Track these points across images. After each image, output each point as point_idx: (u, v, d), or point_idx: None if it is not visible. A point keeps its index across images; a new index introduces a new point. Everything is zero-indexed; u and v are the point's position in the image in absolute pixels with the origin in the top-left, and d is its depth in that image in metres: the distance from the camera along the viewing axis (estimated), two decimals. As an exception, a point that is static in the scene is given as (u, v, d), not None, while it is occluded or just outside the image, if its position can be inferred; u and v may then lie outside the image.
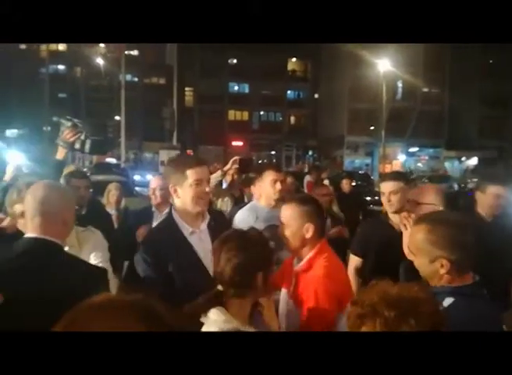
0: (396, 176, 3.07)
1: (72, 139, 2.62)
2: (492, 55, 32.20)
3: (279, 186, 2.98)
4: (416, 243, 1.52)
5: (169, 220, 2.11)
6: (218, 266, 1.50)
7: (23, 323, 1.26)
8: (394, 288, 0.99)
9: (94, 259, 2.29)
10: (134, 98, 27.75)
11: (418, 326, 0.89)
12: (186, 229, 2.08)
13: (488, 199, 3.00)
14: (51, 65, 32.34)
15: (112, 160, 21.22)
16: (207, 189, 2.07)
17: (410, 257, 1.62)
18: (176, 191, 2.08)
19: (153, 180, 3.60)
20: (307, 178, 9.44)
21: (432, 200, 2.33)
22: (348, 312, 1.00)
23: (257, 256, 1.50)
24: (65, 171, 3.65)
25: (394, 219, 2.86)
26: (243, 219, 2.93)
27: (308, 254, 1.94)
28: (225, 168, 3.45)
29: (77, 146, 2.66)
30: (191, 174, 2.02)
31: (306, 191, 8.13)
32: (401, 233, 2.15)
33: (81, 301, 0.74)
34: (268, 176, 3.01)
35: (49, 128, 22.63)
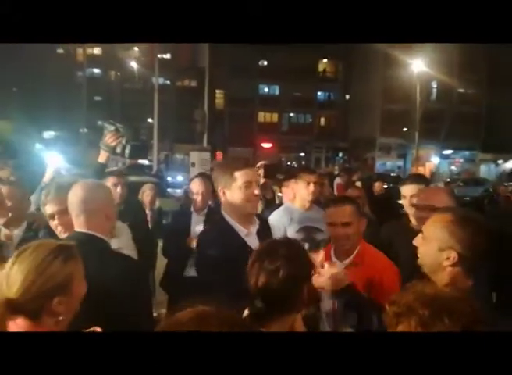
0: (417, 179, 3.03)
1: (114, 143, 2.71)
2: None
3: (312, 188, 3.05)
4: (433, 228, 1.50)
5: (222, 223, 2.09)
6: (259, 279, 1.36)
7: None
8: (430, 288, 1.01)
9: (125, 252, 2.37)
10: (166, 101, 28.23)
11: (453, 325, 0.91)
12: (241, 231, 2.07)
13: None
14: (88, 68, 33.40)
15: (144, 162, 21.69)
16: (256, 191, 2.06)
17: (417, 242, 1.58)
18: (224, 194, 2.08)
19: (195, 183, 3.65)
20: (337, 180, 9.35)
21: (446, 204, 2.13)
22: (386, 312, 1.02)
23: (303, 265, 1.40)
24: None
25: (415, 222, 2.81)
26: (277, 220, 2.98)
27: (356, 249, 2.11)
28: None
29: (118, 150, 2.74)
30: (240, 176, 2.03)
31: (336, 193, 8.06)
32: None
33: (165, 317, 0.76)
34: (303, 179, 3.06)
35: (85, 130, 23.29)
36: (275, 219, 3.02)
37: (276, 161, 27.17)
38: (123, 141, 2.72)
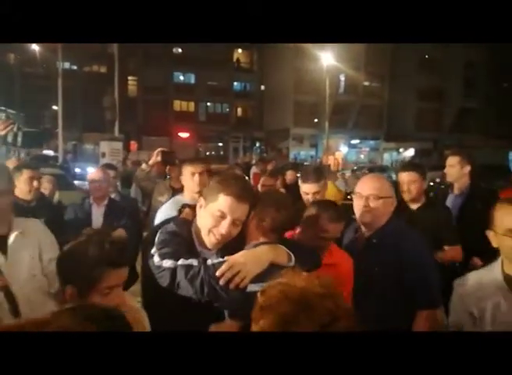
0: (415, 166, 3.22)
1: (3, 132, 2.46)
2: (427, 51, 33.97)
3: (198, 179, 2.90)
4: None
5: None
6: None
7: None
8: (299, 280, 0.93)
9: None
10: (73, 87, 26.41)
11: (309, 323, 0.84)
12: None
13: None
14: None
15: (49, 152, 20.13)
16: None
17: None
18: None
19: (96, 172, 3.48)
20: (254, 169, 9.51)
21: (389, 192, 2.20)
22: (255, 302, 0.94)
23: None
24: (10, 164, 3.49)
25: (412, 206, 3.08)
26: (163, 213, 2.80)
27: None
28: (150, 161, 3.45)
29: (9, 139, 2.49)
30: None
31: (252, 182, 8.19)
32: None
33: None
34: (187, 169, 2.94)
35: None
36: (162, 212, 2.91)
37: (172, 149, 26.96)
38: (14, 129, 2.48)
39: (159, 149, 3.57)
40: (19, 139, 2.29)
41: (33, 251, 2.10)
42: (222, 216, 1.60)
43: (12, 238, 2.11)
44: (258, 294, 0.94)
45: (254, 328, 0.91)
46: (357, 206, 2.20)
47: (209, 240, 1.64)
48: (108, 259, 1.29)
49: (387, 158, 36.17)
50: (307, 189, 2.93)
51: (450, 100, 35.94)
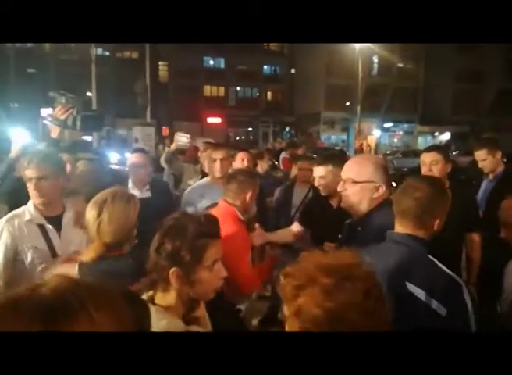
0: (437, 147, 3.24)
1: (64, 116, 2.53)
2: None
3: (219, 165, 3.00)
4: None
5: None
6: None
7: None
8: (327, 257, 0.99)
9: None
10: (106, 73, 26.87)
11: (354, 291, 0.89)
12: None
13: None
14: (17, 38, 30.88)
15: (88, 138, 20.65)
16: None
17: None
18: None
19: (136, 156, 3.49)
20: (283, 154, 9.44)
21: (370, 177, 1.98)
22: (281, 284, 0.97)
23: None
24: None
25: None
26: (188, 195, 3.07)
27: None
28: (172, 146, 3.58)
29: (69, 123, 2.56)
30: None
31: (282, 167, 8.15)
32: None
33: None
34: (209, 155, 3.05)
35: (16, 105, 21.73)
36: (188, 193, 3.02)
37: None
38: (74, 113, 2.54)
39: (178, 134, 3.67)
40: (78, 123, 2.34)
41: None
42: None
43: (65, 218, 2.29)
44: (283, 278, 0.97)
45: (290, 310, 0.93)
46: (339, 190, 2.08)
47: None
48: (207, 231, 1.39)
49: (421, 142, 35.17)
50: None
51: (489, 82, 34.38)
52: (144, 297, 1.39)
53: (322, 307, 0.89)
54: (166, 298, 1.37)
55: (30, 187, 2.19)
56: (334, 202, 2.82)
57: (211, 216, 1.48)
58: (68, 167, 3.28)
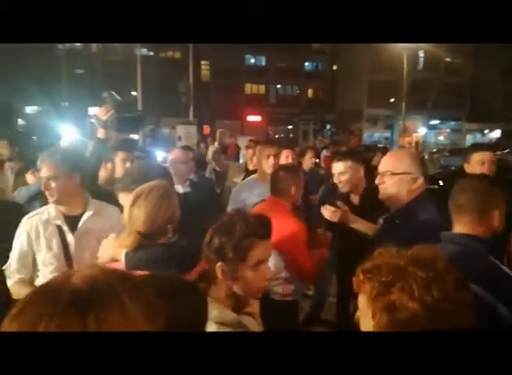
0: (483, 145, 3.24)
1: (105, 117, 2.62)
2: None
3: (272, 161, 3.00)
4: None
5: None
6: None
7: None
8: (410, 252, 1.00)
9: None
10: (150, 73, 27.57)
11: (447, 283, 0.92)
12: None
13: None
14: (68, 40, 32.26)
15: (134, 136, 21.36)
16: None
17: None
18: None
19: (177, 152, 3.56)
20: (324, 152, 9.34)
21: (407, 168, 2.03)
22: (362, 281, 0.99)
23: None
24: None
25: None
26: (237, 192, 3.11)
27: None
28: (216, 142, 3.61)
29: (109, 124, 2.67)
30: None
31: (323, 165, 8.06)
32: None
33: None
34: (262, 152, 3.05)
35: (66, 104, 22.76)
36: (236, 191, 3.03)
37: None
38: (115, 115, 2.65)
39: (220, 130, 3.72)
40: (115, 124, 2.43)
41: (100, 234, 2.09)
42: None
43: (83, 218, 2.23)
44: (362, 274, 0.99)
45: (377, 306, 0.94)
46: (377, 183, 2.12)
47: None
48: (255, 231, 1.41)
49: (470, 140, 33.71)
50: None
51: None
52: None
53: (420, 300, 0.89)
54: (217, 290, 1.43)
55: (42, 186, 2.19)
56: (355, 199, 2.83)
57: (261, 217, 1.49)
58: (127, 164, 3.36)
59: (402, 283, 0.91)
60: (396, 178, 2.01)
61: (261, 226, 1.44)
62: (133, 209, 1.71)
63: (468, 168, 3.03)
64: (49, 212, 2.21)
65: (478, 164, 2.96)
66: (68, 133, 2.84)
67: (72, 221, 2.22)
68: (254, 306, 1.51)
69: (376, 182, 2.09)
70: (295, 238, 2.37)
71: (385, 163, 2.09)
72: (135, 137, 21.02)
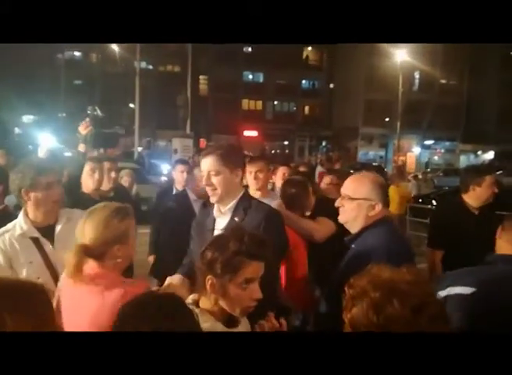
0: (489, 168, 3.26)
1: (85, 132, 2.69)
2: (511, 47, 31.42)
3: (253, 178, 3.07)
4: None
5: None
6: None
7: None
8: (385, 271, 1.03)
9: None
10: (149, 86, 27.77)
11: (402, 308, 0.93)
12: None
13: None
14: (67, 51, 32.50)
15: (133, 149, 21.44)
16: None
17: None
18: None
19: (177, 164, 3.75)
20: (319, 169, 9.39)
21: (366, 194, 2.00)
22: (345, 294, 1.05)
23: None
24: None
25: (470, 201, 3.02)
26: None
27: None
28: None
29: (88, 138, 2.76)
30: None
31: (317, 181, 8.10)
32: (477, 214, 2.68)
33: None
34: (247, 168, 3.05)
35: (64, 115, 22.81)
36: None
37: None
38: (93, 130, 2.75)
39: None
40: (92, 139, 2.49)
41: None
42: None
43: (58, 227, 2.21)
44: (346, 288, 1.04)
45: (347, 316, 1.01)
46: (336, 205, 2.12)
47: None
48: (247, 250, 1.41)
49: (464, 160, 34.01)
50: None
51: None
52: (190, 299, 1.49)
53: (370, 320, 0.94)
54: (207, 301, 1.45)
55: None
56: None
57: (257, 237, 1.48)
58: (113, 174, 3.41)
59: (361, 300, 0.98)
60: (354, 203, 2.00)
61: (254, 246, 1.43)
62: (86, 222, 1.65)
63: (480, 191, 2.97)
64: (21, 226, 2.14)
65: (489, 187, 2.94)
66: (44, 143, 2.96)
67: (46, 231, 2.18)
68: (243, 322, 1.50)
69: (335, 204, 2.10)
70: (298, 256, 2.53)
71: (346, 187, 2.08)
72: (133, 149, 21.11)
